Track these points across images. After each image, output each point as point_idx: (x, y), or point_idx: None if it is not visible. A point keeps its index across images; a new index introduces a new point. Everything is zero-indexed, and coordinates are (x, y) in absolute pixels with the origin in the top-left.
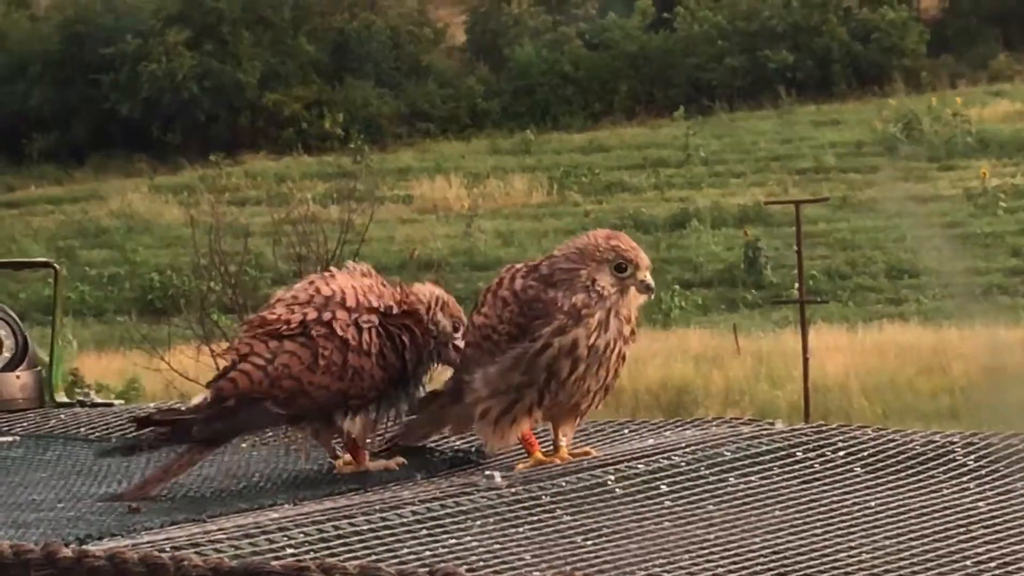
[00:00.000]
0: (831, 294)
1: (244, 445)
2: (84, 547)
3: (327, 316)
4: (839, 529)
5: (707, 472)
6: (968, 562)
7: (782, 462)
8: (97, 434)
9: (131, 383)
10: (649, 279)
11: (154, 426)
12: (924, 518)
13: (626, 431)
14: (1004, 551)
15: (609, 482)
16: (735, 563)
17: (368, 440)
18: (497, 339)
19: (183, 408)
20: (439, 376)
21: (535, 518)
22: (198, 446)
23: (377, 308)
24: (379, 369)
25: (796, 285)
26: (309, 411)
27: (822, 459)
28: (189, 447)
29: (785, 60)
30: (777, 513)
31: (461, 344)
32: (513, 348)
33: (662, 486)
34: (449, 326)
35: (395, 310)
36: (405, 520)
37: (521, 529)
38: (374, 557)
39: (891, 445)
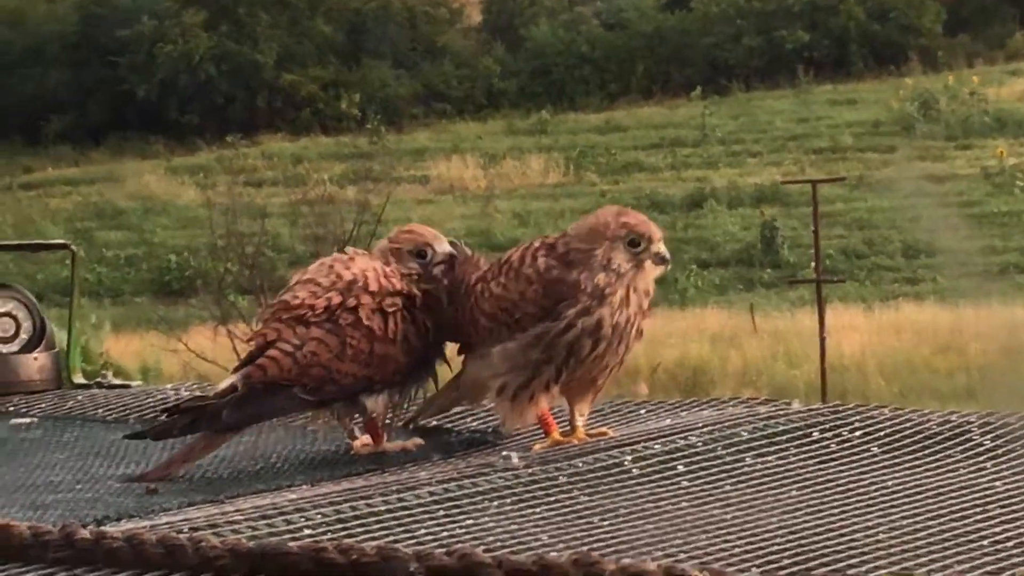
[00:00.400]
0: (848, 273)
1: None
2: (102, 528)
3: (352, 302)
4: (856, 509)
5: (724, 452)
6: (985, 541)
7: (799, 442)
8: (115, 416)
9: (149, 365)
10: (663, 250)
11: (183, 414)
12: (941, 498)
13: (643, 411)
14: (1021, 531)
15: (626, 462)
16: (752, 543)
17: (388, 420)
18: (519, 316)
19: (211, 394)
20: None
21: (552, 498)
22: (224, 427)
23: (400, 291)
24: (403, 354)
25: (813, 265)
26: (336, 397)
27: (839, 439)
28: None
29: (802, 39)
30: (794, 493)
31: (444, 254)
32: (535, 327)
33: (679, 466)
34: (414, 263)
35: (417, 292)
36: (422, 500)
37: (538, 509)
38: (392, 537)
39: (908, 425)
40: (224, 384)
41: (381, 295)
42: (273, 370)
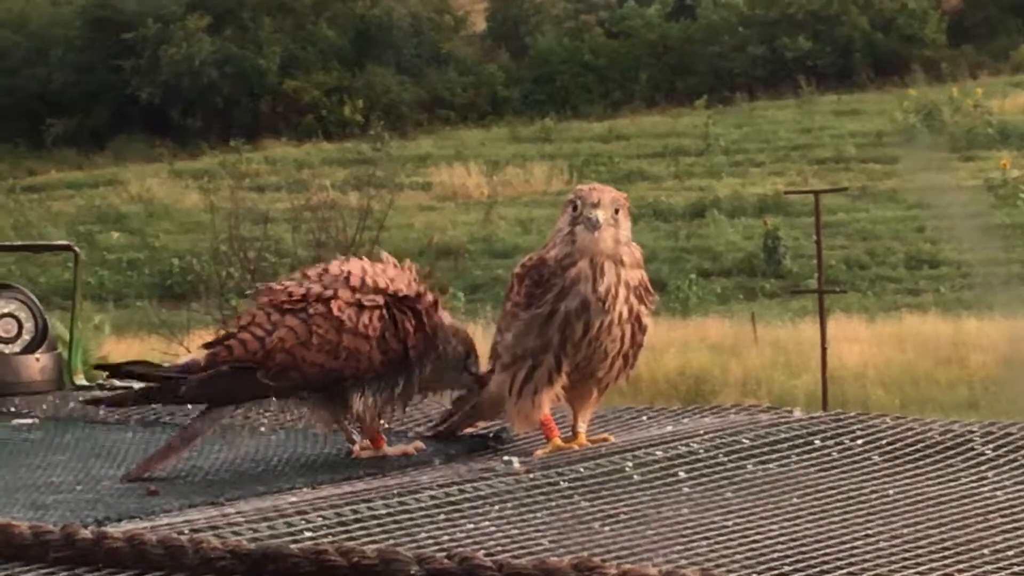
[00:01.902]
0: (850, 284)
1: (262, 428)
2: (103, 529)
3: (328, 294)
4: (857, 517)
5: (725, 459)
6: (986, 551)
7: (800, 450)
8: (116, 417)
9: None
10: (592, 214)
11: (135, 378)
12: (942, 507)
13: (644, 418)
14: (1022, 540)
15: (627, 468)
16: (753, 550)
17: (382, 422)
18: (517, 311)
19: (169, 365)
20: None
21: (553, 503)
22: (197, 421)
23: (384, 289)
24: (378, 352)
25: (815, 275)
26: (300, 386)
27: (840, 447)
28: (190, 422)
29: (806, 49)
30: (795, 500)
31: (474, 371)
32: (525, 314)
33: (680, 473)
34: (462, 351)
35: (404, 293)
36: (423, 504)
37: (539, 514)
38: (392, 541)
39: (909, 434)
40: (186, 358)
41: (363, 291)
42: (238, 351)
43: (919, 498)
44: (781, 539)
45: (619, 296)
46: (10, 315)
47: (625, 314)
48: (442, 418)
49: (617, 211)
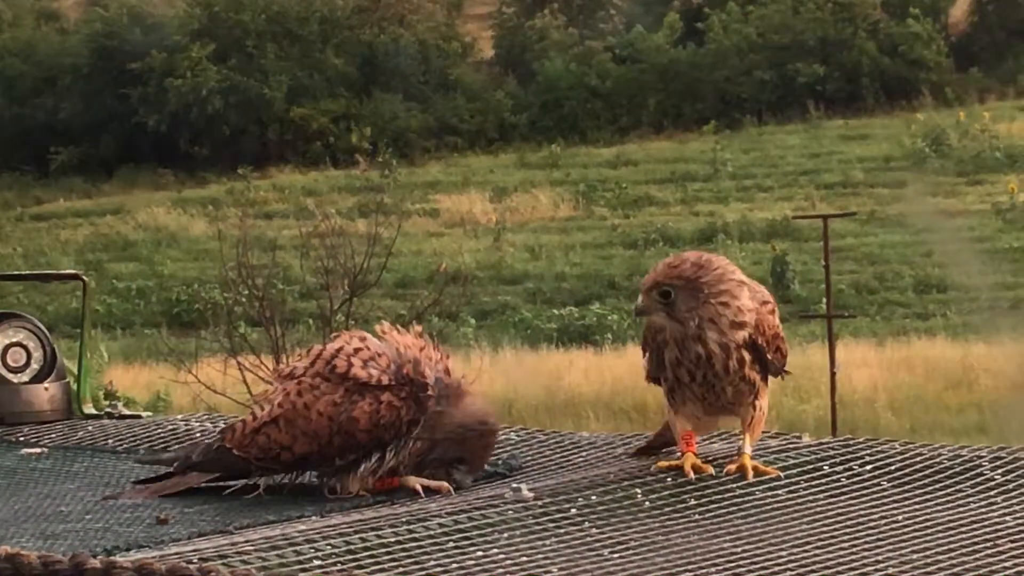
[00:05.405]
0: (859, 309)
1: None
2: (112, 558)
3: (302, 402)
4: (866, 542)
5: (734, 485)
6: None
7: (809, 476)
8: (125, 446)
9: (159, 396)
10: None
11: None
12: (951, 532)
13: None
14: None
15: (637, 495)
16: None
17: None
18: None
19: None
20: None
21: (562, 530)
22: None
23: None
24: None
25: (824, 300)
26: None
27: (849, 473)
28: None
29: (814, 74)
30: (804, 526)
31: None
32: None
33: (690, 499)
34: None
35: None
36: (432, 532)
37: (548, 541)
38: (401, 569)
39: (918, 459)
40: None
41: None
42: (228, 438)
43: (928, 523)
44: (791, 565)
45: (717, 355)
46: (19, 344)
47: (735, 366)
48: (651, 439)
49: (669, 293)
